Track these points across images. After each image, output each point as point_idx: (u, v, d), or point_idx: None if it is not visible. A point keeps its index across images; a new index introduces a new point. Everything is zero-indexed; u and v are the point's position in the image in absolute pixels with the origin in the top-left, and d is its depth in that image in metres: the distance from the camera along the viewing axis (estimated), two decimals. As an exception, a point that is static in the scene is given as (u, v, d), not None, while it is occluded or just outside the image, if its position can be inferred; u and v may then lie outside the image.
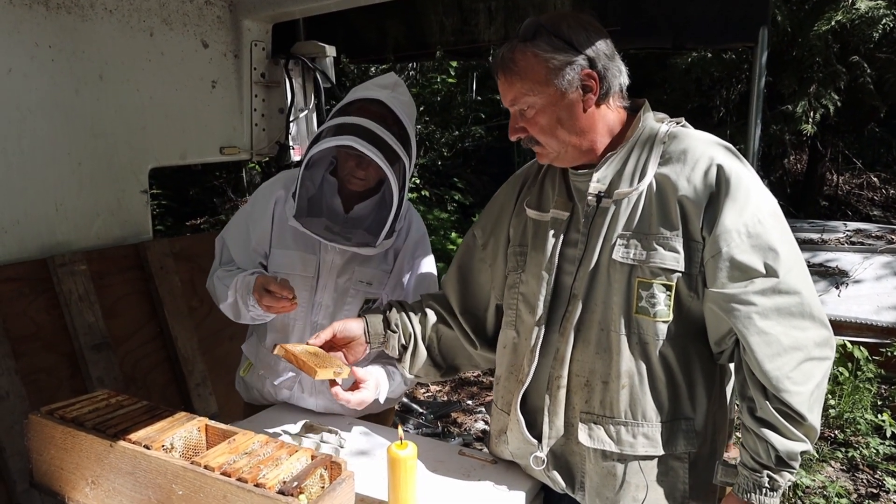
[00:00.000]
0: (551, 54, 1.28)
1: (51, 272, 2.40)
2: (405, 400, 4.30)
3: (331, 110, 1.75)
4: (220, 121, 3.05)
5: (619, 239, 1.32)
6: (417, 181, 6.89)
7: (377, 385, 1.67)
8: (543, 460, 1.42)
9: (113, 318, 2.57)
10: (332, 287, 1.82)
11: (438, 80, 7.56)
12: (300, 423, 1.79)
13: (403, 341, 1.62)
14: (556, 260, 1.40)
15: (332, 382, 1.54)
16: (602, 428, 1.35)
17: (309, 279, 1.82)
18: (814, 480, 3.28)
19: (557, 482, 1.43)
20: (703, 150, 1.29)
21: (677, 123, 1.38)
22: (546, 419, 1.40)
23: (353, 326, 1.60)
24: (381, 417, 2.04)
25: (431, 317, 1.64)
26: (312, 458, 1.33)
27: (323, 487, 1.29)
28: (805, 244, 5.27)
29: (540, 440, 1.42)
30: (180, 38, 2.84)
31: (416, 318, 1.64)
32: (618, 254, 1.31)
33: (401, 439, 1.38)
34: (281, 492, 1.19)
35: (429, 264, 1.89)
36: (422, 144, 7.46)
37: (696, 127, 1.40)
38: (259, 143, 3.22)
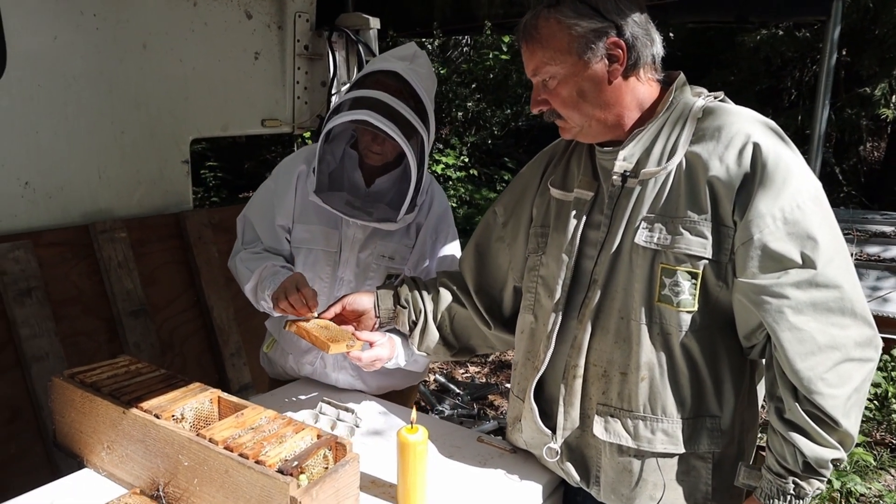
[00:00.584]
0: (575, 21, 1.19)
1: (92, 238, 2.46)
2: (442, 379, 4.28)
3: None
4: (263, 93, 3.05)
5: (643, 222, 1.22)
6: (466, 160, 6.80)
7: (393, 345, 1.64)
8: (557, 452, 1.36)
9: (151, 285, 2.63)
10: (355, 262, 1.80)
11: (491, 56, 7.39)
12: (318, 400, 1.77)
13: (414, 317, 1.59)
14: (578, 242, 1.31)
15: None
16: (619, 421, 1.27)
17: (331, 254, 1.80)
18: (869, 489, 3.09)
19: (571, 475, 1.36)
20: (740, 128, 1.17)
21: (716, 98, 1.27)
22: (561, 409, 1.33)
23: (363, 300, 1.58)
24: (403, 396, 2.01)
25: (445, 295, 1.59)
26: (318, 437, 1.30)
27: (326, 468, 1.26)
28: (876, 237, 4.94)
29: (554, 431, 1.35)
30: (224, 9, 2.84)
31: (428, 296, 1.60)
32: (641, 238, 1.22)
33: (412, 423, 1.34)
34: (280, 470, 1.16)
35: (451, 240, 1.86)
36: (473, 123, 7.34)
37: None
38: (301, 115, 3.21)
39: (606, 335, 1.28)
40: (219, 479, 1.24)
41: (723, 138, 1.17)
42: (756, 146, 1.14)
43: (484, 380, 4.48)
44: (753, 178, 1.14)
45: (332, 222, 1.79)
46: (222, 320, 2.83)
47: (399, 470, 1.35)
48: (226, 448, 1.24)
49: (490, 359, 4.76)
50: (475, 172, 7.01)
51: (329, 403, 1.73)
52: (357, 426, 1.65)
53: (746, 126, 1.18)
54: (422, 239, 1.82)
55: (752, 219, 1.12)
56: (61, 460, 2.20)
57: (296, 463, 1.18)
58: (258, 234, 1.83)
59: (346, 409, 1.69)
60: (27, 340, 2.21)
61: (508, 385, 4.41)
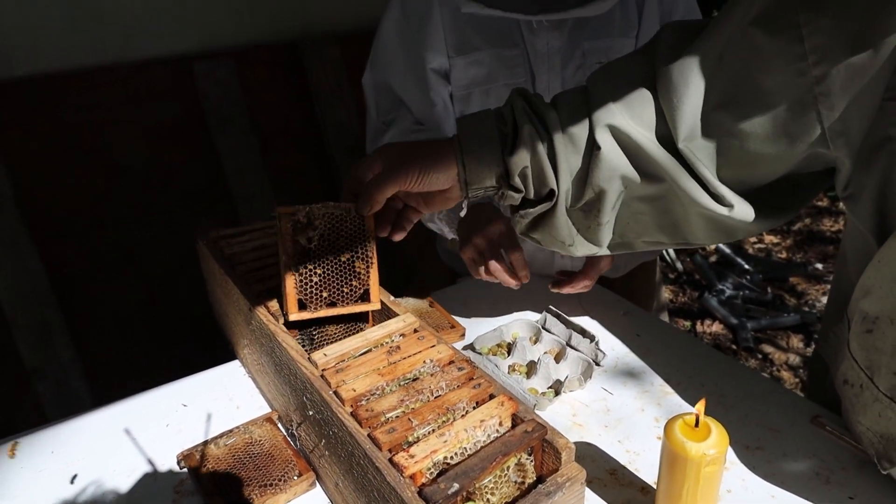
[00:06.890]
0: None
1: (302, 57, 2.04)
2: (726, 250, 3.38)
3: None
4: None
5: None
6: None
7: None
8: None
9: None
10: (559, 86, 1.14)
11: None
12: (544, 305, 1.18)
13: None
14: None
15: None
16: None
17: (520, 86, 1.14)
18: None
19: None
20: None
21: None
22: None
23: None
24: (646, 271, 1.37)
25: None
26: (514, 421, 0.70)
27: (520, 488, 0.67)
28: None
29: None
30: None
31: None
32: None
33: (698, 417, 0.70)
34: (425, 498, 0.60)
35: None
36: None
37: None
38: None
39: None
40: (344, 457, 0.73)
41: None
42: None
43: (785, 255, 3.46)
44: None
45: (509, 38, 1.11)
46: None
47: (664, 488, 0.73)
48: (353, 415, 0.71)
49: (795, 227, 3.67)
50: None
51: (558, 317, 1.12)
52: (597, 362, 1.03)
53: None
54: (649, 18, 1.11)
55: None
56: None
57: (455, 487, 0.61)
58: (401, 96, 1.18)
59: (584, 333, 1.07)
60: (232, 176, 1.94)
61: (820, 266, 3.32)
